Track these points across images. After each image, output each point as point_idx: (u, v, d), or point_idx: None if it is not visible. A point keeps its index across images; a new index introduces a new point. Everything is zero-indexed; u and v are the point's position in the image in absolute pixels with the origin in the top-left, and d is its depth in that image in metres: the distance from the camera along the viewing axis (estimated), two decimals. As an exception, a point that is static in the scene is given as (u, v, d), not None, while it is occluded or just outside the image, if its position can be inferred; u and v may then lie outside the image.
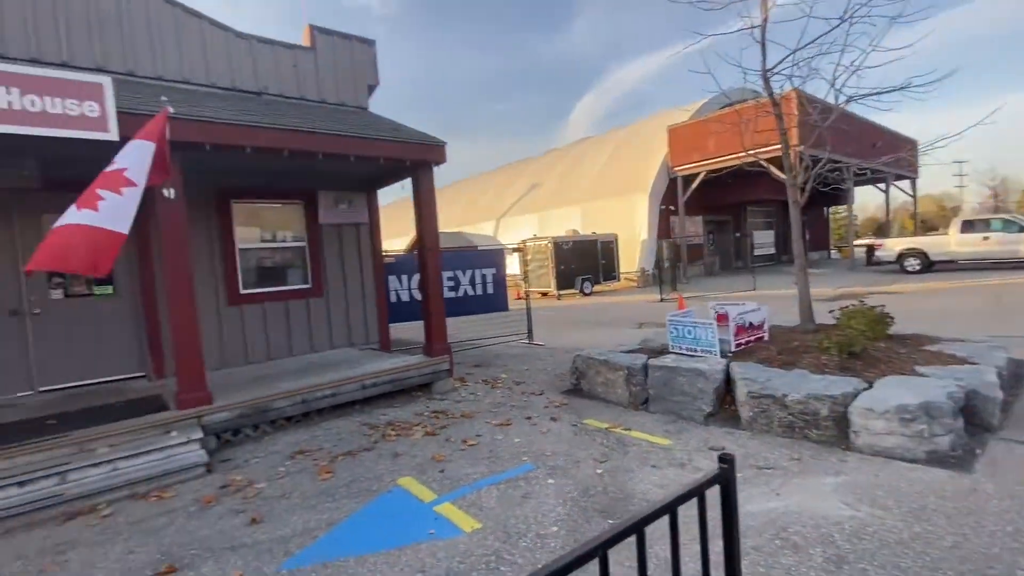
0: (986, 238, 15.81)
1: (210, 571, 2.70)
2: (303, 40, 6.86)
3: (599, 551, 0.99)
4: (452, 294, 8.73)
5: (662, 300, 14.75)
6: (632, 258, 21.64)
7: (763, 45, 5.58)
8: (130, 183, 3.34)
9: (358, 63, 7.22)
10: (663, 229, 22.14)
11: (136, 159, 3.40)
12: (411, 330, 8.84)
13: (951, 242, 16.50)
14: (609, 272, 20.30)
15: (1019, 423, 3.80)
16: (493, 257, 9.39)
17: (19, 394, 5.19)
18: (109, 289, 5.64)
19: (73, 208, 3.16)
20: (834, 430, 3.74)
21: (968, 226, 16.55)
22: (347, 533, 3.01)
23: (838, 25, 5.00)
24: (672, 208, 22.55)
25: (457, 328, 8.37)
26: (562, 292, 18.54)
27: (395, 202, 28.71)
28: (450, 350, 6.15)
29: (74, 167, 5.06)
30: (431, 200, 5.96)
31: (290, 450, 4.39)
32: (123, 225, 3.33)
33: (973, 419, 3.68)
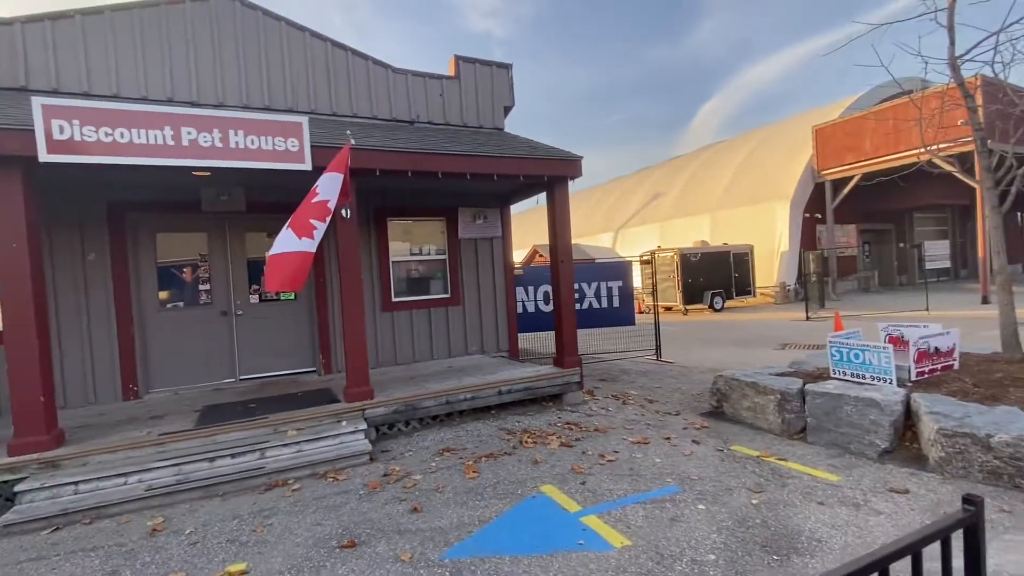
0: None
1: (384, 550, 3.01)
2: (448, 70, 7.48)
3: None
4: (576, 306, 8.79)
5: (808, 319, 13.29)
6: (770, 272, 19.84)
7: (951, 29, 4.84)
8: (329, 212, 3.94)
9: (496, 87, 7.67)
10: (807, 240, 20.01)
11: (331, 188, 3.99)
12: (534, 340, 9.06)
13: None
14: (743, 286, 18.83)
15: None
16: (620, 269, 9.26)
17: (226, 380, 6.30)
18: (292, 295, 6.62)
19: (293, 235, 3.80)
20: (1067, 485, 3.06)
21: None
22: (500, 531, 3.16)
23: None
24: (819, 216, 20.30)
25: (582, 341, 8.38)
26: (689, 307, 17.60)
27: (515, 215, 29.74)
28: (581, 362, 6.17)
29: (269, 193, 6.07)
30: (565, 213, 6.09)
31: (437, 447, 4.74)
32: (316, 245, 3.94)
33: None
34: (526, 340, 9.19)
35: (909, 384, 4.42)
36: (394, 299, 6.97)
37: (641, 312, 9.99)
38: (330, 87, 6.68)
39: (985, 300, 13.57)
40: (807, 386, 4.65)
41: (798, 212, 20.03)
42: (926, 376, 4.58)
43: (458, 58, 7.43)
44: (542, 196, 6.51)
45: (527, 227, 26.88)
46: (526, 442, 4.75)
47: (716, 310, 17.73)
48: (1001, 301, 5.03)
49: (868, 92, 20.72)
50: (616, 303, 9.02)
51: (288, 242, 3.77)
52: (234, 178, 5.46)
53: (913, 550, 1.04)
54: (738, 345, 10.23)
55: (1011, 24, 4.47)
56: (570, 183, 6.09)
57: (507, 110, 7.79)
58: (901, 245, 23.32)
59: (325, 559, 2.95)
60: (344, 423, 4.74)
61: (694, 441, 4.63)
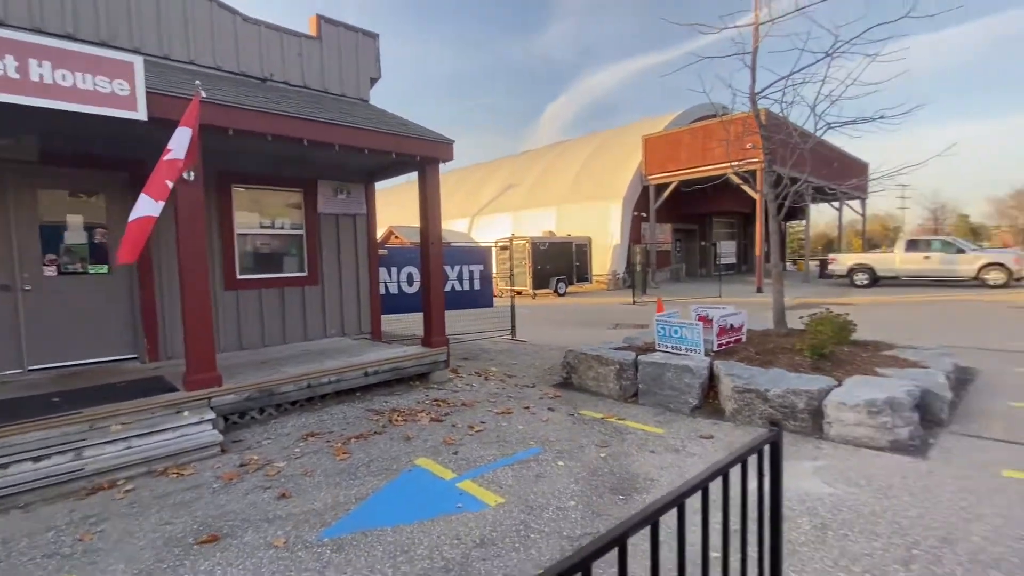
0: (927, 257, 17.21)
1: (252, 539, 2.84)
2: (309, 29, 6.89)
3: (657, 514, 1.26)
4: (440, 288, 8.93)
5: (634, 303, 15.33)
6: (604, 261, 22.26)
7: (753, 70, 6.05)
8: (179, 172, 3.42)
9: (362, 55, 7.30)
10: (635, 235, 22.87)
11: (181, 145, 3.47)
12: (396, 323, 8.98)
13: (896, 260, 17.87)
14: (582, 274, 20.83)
15: (963, 420, 4.36)
16: (481, 254, 9.62)
17: (7, 372, 5.06)
18: (104, 268, 5.55)
19: (149, 199, 3.22)
20: (809, 421, 4.19)
21: (912, 245, 17.96)
22: (378, 506, 3.20)
23: (821, 59, 5.51)
24: (644, 215, 23.32)
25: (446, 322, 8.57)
26: (537, 292, 18.91)
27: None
28: (448, 342, 6.35)
29: (75, 144, 5.00)
30: (436, 196, 6.14)
31: (300, 432, 4.51)
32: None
33: (926, 415, 4.21)
34: (388, 322, 9.04)
35: (712, 353, 5.52)
36: (239, 276, 6.29)
37: (497, 296, 10.53)
38: (160, 23, 5.68)
39: (759, 290, 17.19)
40: (639, 357, 5.50)
41: (628, 210, 22.81)
42: (724, 347, 5.76)
43: (320, 18, 6.88)
44: (409, 176, 6.46)
45: (379, 206, 25.82)
46: (396, 420, 4.78)
47: (560, 295, 19.37)
48: (774, 290, 6.53)
49: (687, 110, 24.37)
50: (477, 286, 9.37)
51: (146, 206, 3.22)
52: (27, 120, 4.36)
53: (723, 471, 1.43)
54: (581, 325, 11.42)
55: (793, 73, 5.80)
56: (441, 166, 6.15)
57: (373, 82, 7.48)
58: (703, 243, 28.08)
59: (182, 558, 2.67)
60: (187, 413, 4.22)
61: (550, 409, 5.16)
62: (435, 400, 5.44)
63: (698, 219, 27.67)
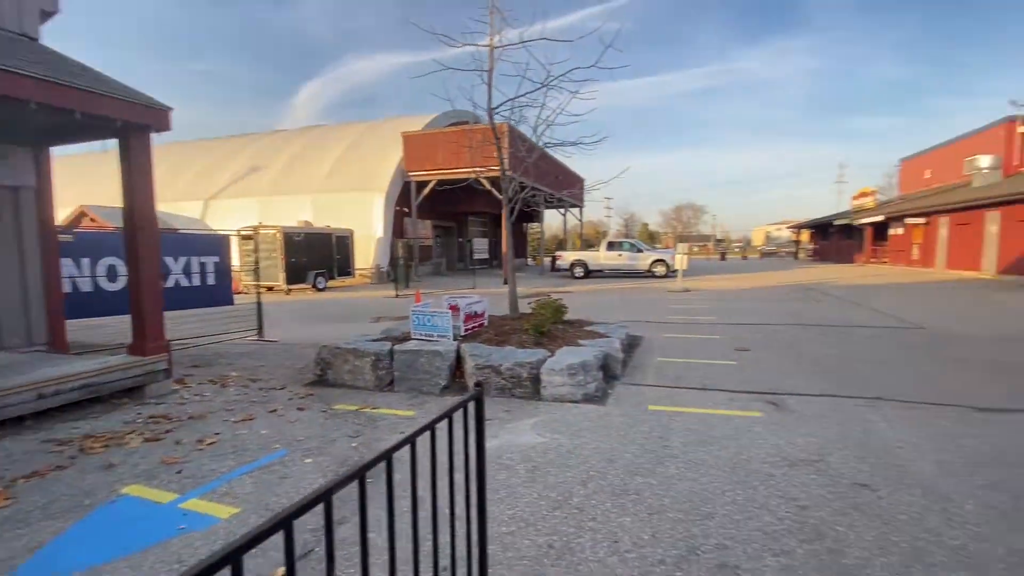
0: (620, 255, 22.35)
1: None
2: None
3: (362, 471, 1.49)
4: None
5: (397, 296, 15.58)
6: (368, 255, 21.88)
7: (489, 88, 6.87)
8: None
9: (24, -22, 5.51)
10: (398, 229, 23.11)
11: None
12: (100, 328, 7.17)
13: (601, 256, 22.65)
14: (344, 268, 20.05)
15: (630, 373, 5.91)
16: (216, 243, 8.41)
17: None
18: None
19: None
20: (531, 388, 5.08)
21: (611, 246, 23.13)
22: (62, 552, 2.59)
23: (539, 88, 6.63)
24: (406, 210, 23.75)
25: (169, 325, 7.20)
26: (292, 287, 17.40)
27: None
28: (169, 348, 5.40)
29: None
30: (147, 170, 5.12)
31: (-80, 487, 3.25)
32: None
33: (607, 372, 5.56)
34: (85, 328, 7.12)
35: (460, 338, 6.12)
36: None
37: (240, 292, 9.35)
38: None
39: (505, 282, 19.52)
40: (395, 347, 5.71)
41: (391, 205, 22.92)
42: (470, 332, 6.43)
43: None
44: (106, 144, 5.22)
45: (68, 179, 19.99)
46: (92, 449, 3.88)
47: (319, 289, 18.27)
48: (510, 281, 7.58)
49: (445, 112, 25.68)
50: (211, 280, 8.16)
51: None
52: None
53: (430, 427, 1.74)
54: (340, 320, 11.05)
55: (519, 96, 6.81)
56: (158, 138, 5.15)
57: (46, 16, 5.73)
58: (460, 240, 30.18)
59: None
60: None
61: (299, 408, 4.93)
62: (152, 417, 4.59)
63: (456, 217, 29.62)
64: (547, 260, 27.85)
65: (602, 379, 5.22)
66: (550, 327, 6.35)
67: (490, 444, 3.90)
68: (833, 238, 38.38)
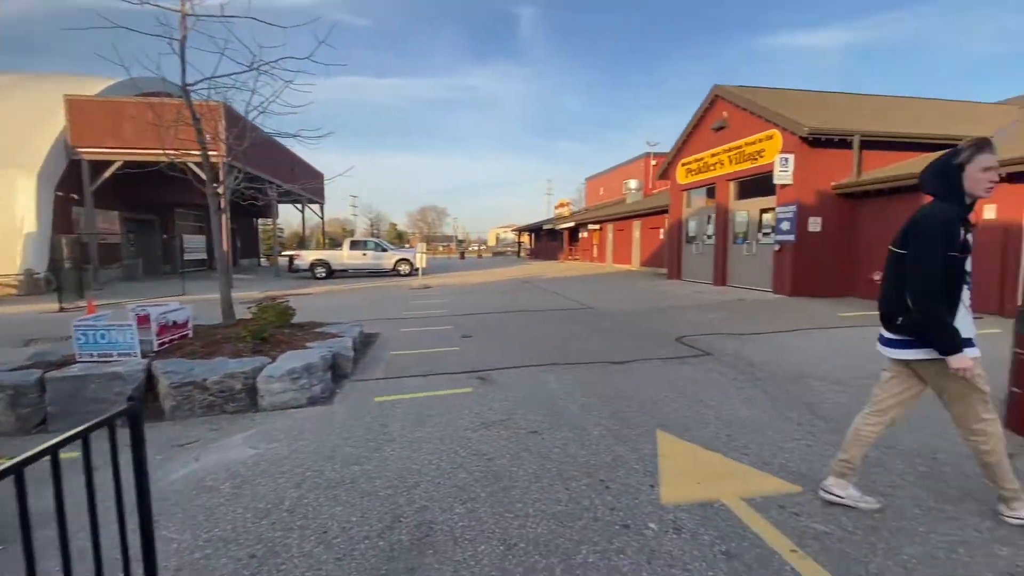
0: (365, 254, 22.11)
1: None
2: None
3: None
4: None
5: (63, 310, 11.94)
6: (11, 257, 16.05)
7: (183, 60, 5.91)
8: None
9: None
10: (62, 222, 17.63)
11: None
12: None
13: (344, 256, 22.00)
14: (-39, 275, 14.20)
15: (362, 370, 5.98)
16: None
17: None
18: None
19: None
20: (247, 399, 4.65)
21: (354, 245, 22.67)
22: None
23: (247, 71, 6.03)
24: (76, 197, 18.30)
25: None
26: None
27: None
28: None
29: None
30: None
31: None
32: None
33: (337, 371, 5.52)
34: None
35: (152, 353, 5.14)
36: None
37: None
38: None
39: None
40: (47, 374, 4.44)
41: (49, 188, 17.31)
42: (167, 345, 5.46)
43: None
44: None
45: None
46: None
47: (-87, 308, 12.52)
48: (221, 283, 6.70)
49: (136, 79, 20.54)
50: None
51: None
52: None
53: (84, 434, 1.52)
54: (-46, 350, 7.82)
55: (220, 76, 6.03)
56: None
57: None
58: (165, 236, 24.89)
59: None
60: None
61: None
62: None
63: (159, 209, 24.28)
64: (284, 260, 25.41)
65: (330, 379, 5.15)
66: (273, 332, 5.91)
67: (188, 469, 3.46)
68: (544, 239, 46.18)
